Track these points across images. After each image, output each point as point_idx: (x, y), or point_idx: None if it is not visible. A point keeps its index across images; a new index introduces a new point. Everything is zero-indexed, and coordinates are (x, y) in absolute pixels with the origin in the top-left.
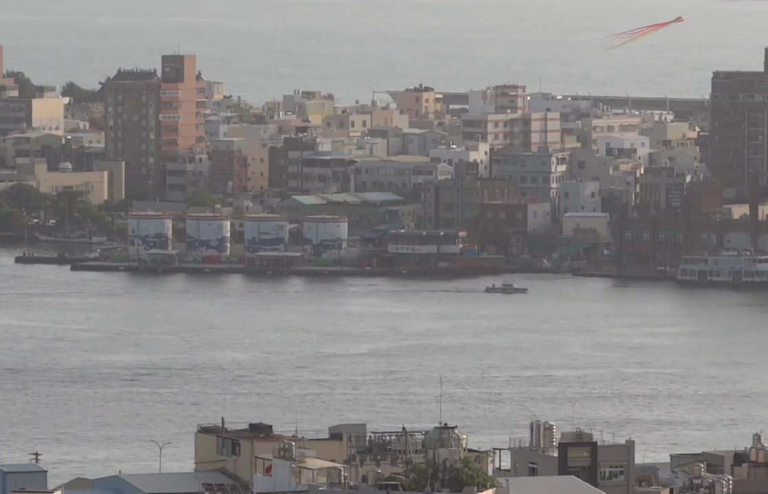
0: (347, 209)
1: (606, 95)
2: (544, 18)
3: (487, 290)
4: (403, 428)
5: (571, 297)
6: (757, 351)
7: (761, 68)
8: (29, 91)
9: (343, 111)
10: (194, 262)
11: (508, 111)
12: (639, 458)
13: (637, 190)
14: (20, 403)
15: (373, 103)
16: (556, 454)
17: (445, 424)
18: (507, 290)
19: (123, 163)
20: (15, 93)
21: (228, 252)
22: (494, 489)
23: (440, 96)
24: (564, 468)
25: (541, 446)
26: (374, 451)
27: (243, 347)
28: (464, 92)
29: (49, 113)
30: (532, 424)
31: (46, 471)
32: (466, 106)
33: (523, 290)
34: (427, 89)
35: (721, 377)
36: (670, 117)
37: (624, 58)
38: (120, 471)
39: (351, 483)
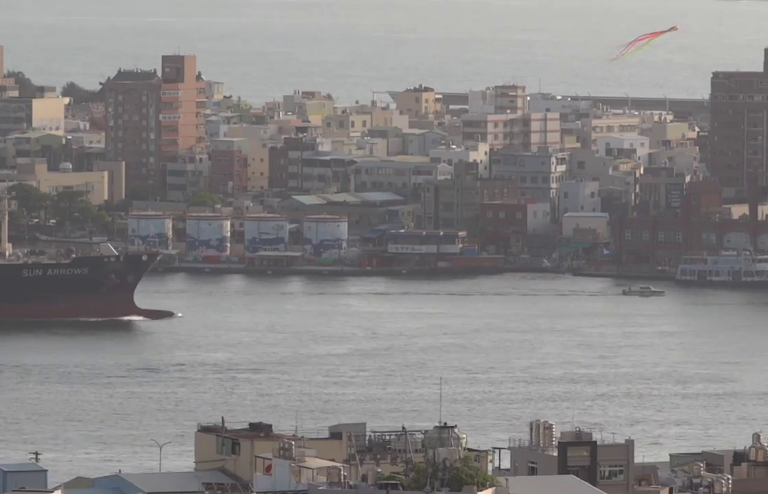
0: (347, 209)
1: (605, 95)
2: (544, 19)
3: (624, 292)
4: (403, 427)
5: (570, 296)
6: (756, 350)
7: (761, 68)
8: (29, 91)
9: (343, 111)
10: (194, 262)
11: (508, 111)
12: (638, 457)
13: (637, 190)
14: (20, 402)
15: (373, 103)
16: (555, 453)
17: (445, 423)
18: (645, 292)
19: (123, 163)
20: (15, 93)
21: (228, 252)
22: (494, 488)
23: (440, 96)
24: (563, 468)
25: (541, 445)
26: (374, 450)
27: (243, 347)
28: (464, 92)
29: (49, 113)
30: (531, 423)
31: (46, 471)
32: (466, 107)
33: (661, 293)
34: (427, 89)
35: (721, 376)
36: (670, 117)
37: (625, 60)
38: (120, 471)
39: (351, 483)
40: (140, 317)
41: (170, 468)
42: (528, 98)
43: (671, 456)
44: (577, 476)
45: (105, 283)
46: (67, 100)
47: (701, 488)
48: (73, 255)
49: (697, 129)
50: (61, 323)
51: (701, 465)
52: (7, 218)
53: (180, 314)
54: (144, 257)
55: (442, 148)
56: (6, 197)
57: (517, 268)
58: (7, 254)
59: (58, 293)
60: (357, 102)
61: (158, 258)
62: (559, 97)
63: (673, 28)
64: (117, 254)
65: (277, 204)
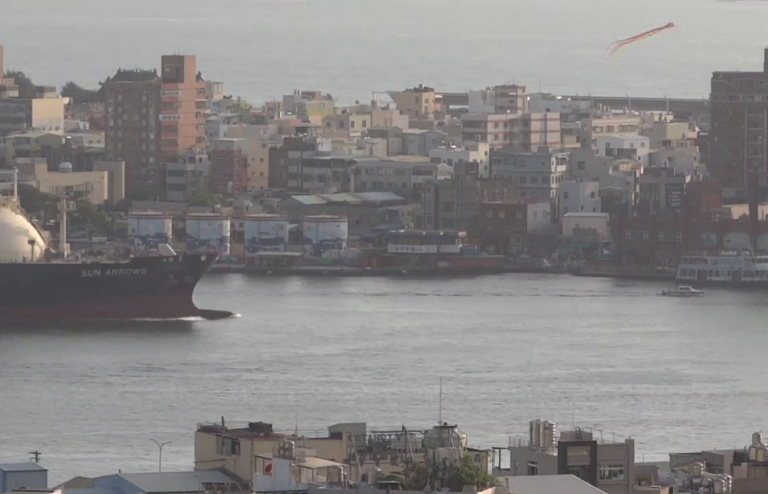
0: (347, 209)
1: (606, 95)
2: (544, 20)
3: (663, 293)
4: (403, 427)
5: (570, 297)
6: (756, 351)
7: (761, 68)
8: (29, 91)
9: (343, 111)
10: None
11: (508, 111)
12: (638, 457)
13: (637, 190)
14: (20, 401)
15: (373, 103)
16: (555, 453)
17: (445, 423)
18: (684, 293)
19: (123, 163)
20: (15, 93)
21: (228, 252)
22: (494, 488)
23: (440, 96)
24: (563, 468)
25: (541, 445)
26: (374, 450)
27: (242, 347)
28: (464, 92)
29: (49, 113)
30: (531, 423)
31: (46, 470)
32: (466, 107)
33: (700, 294)
34: (427, 89)
35: (720, 376)
36: (670, 117)
37: (623, 57)
38: (120, 471)
39: (351, 482)
40: (198, 318)
41: (170, 468)
42: (528, 98)
43: (671, 456)
44: (577, 476)
45: (163, 283)
46: (66, 100)
47: (701, 488)
48: (132, 255)
49: (697, 129)
50: (116, 324)
51: (701, 465)
52: (65, 218)
53: (239, 315)
54: (203, 258)
55: (442, 148)
56: (64, 198)
57: (517, 268)
58: (65, 254)
59: (116, 294)
60: (357, 102)
61: (216, 259)
62: (559, 97)
63: (669, 25)
64: (175, 254)
65: (277, 204)
